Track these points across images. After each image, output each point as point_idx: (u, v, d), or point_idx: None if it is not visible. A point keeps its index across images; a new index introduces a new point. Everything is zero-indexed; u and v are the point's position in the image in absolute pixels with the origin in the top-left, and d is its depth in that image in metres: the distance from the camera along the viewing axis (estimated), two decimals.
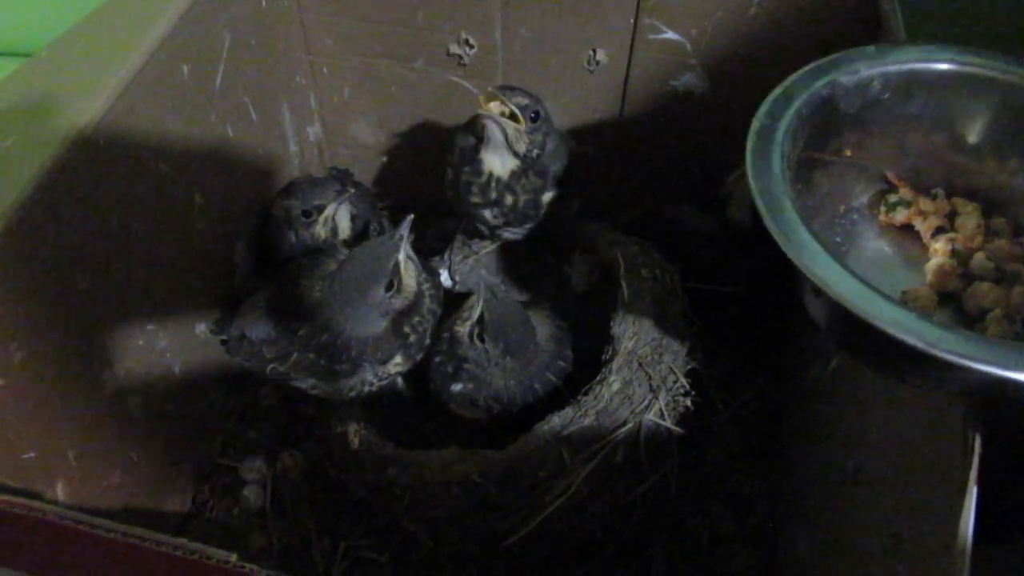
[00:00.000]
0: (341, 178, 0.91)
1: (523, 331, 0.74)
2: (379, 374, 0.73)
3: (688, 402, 0.74)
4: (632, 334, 0.75)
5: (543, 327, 0.78)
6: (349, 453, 0.74)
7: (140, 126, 0.68)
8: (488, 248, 0.95)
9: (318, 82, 0.98)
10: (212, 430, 0.89)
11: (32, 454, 0.60)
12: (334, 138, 1.06)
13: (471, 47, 0.89)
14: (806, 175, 0.54)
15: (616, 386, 0.72)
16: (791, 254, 0.43)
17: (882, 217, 0.58)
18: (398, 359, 0.73)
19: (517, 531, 0.68)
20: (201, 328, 0.82)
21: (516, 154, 0.76)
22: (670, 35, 0.82)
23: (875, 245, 0.57)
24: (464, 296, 0.81)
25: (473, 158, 0.77)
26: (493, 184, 0.77)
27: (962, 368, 0.38)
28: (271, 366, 0.74)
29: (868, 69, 0.54)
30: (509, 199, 0.78)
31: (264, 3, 0.85)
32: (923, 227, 0.56)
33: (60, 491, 0.63)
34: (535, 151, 0.76)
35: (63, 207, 0.60)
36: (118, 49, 0.67)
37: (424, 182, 0.99)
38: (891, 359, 0.45)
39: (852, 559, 0.57)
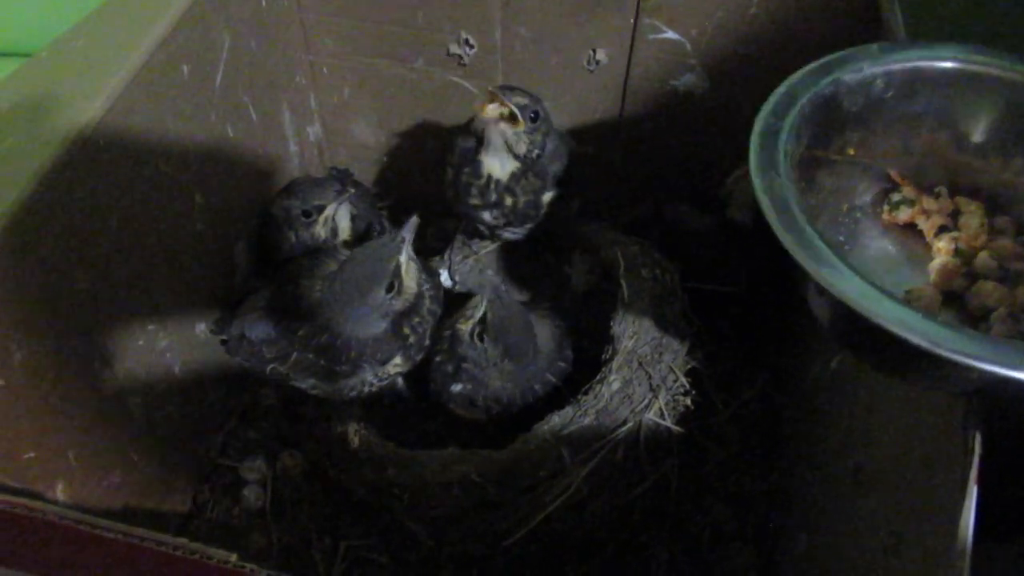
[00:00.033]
0: (341, 178, 0.91)
1: (524, 335, 0.74)
2: (379, 375, 0.73)
3: (688, 401, 0.74)
4: (632, 333, 0.75)
5: (543, 328, 0.78)
6: (349, 453, 0.74)
7: (140, 126, 0.68)
8: (488, 248, 0.95)
9: (318, 82, 0.98)
10: (212, 430, 0.89)
11: (32, 454, 0.60)
12: (334, 138, 1.06)
13: (471, 47, 0.89)
14: (809, 174, 0.53)
15: (616, 385, 0.72)
16: (796, 254, 0.43)
17: (885, 216, 0.58)
18: (398, 360, 0.73)
19: (517, 531, 0.68)
20: (201, 328, 0.82)
21: (516, 156, 0.76)
22: (670, 35, 0.82)
23: (878, 244, 0.56)
24: (465, 296, 0.81)
25: (473, 159, 0.77)
26: (492, 186, 0.77)
27: (967, 368, 0.38)
28: (271, 366, 0.74)
29: (872, 67, 0.54)
30: (509, 201, 0.78)
31: (264, 3, 0.85)
32: (926, 226, 0.56)
33: (60, 491, 0.63)
34: (535, 152, 0.76)
35: (63, 207, 0.60)
36: (118, 49, 0.67)
37: (424, 182, 0.99)
38: (895, 358, 0.45)
39: (852, 558, 0.57)
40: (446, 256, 0.94)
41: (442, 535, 0.72)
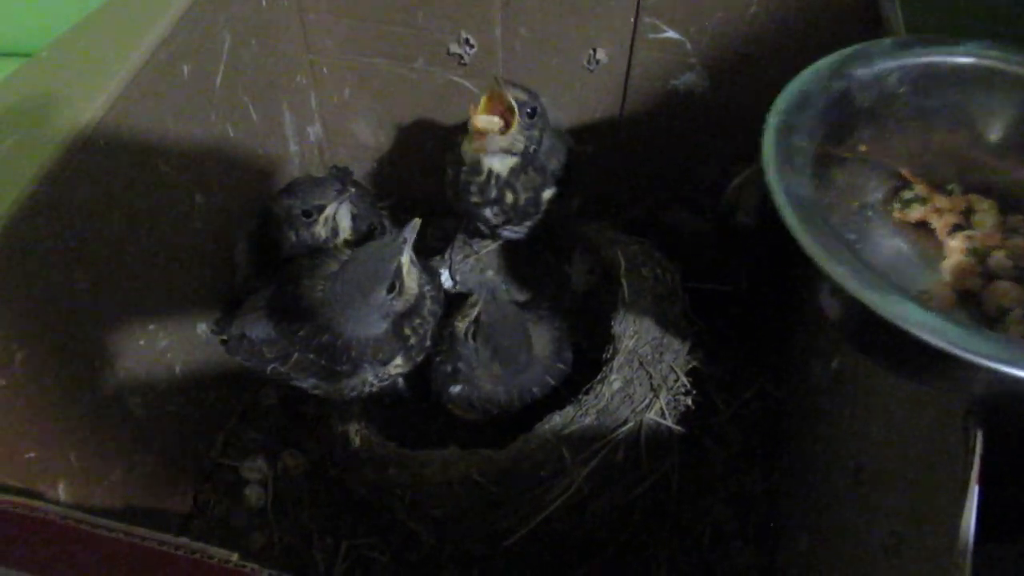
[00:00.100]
0: (341, 177, 0.91)
1: (515, 340, 0.74)
2: (380, 375, 0.73)
3: (689, 401, 0.74)
4: (633, 333, 0.75)
5: (541, 331, 0.78)
6: (350, 453, 0.74)
7: (140, 126, 0.68)
8: (489, 247, 0.95)
9: (318, 82, 0.98)
10: (213, 430, 0.89)
11: (33, 454, 0.60)
12: (334, 138, 1.06)
13: (471, 46, 0.89)
14: (822, 171, 0.52)
15: (617, 385, 0.72)
16: (814, 254, 0.42)
17: (896, 214, 0.56)
18: (398, 361, 0.73)
19: (518, 530, 0.68)
20: (202, 328, 0.82)
21: (514, 153, 0.76)
22: (670, 34, 0.82)
23: (890, 243, 0.55)
24: (466, 296, 0.81)
25: (472, 158, 0.77)
26: (493, 182, 0.77)
27: (986, 370, 0.38)
28: (272, 366, 0.74)
29: (885, 62, 0.53)
30: (509, 197, 0.78)
31: (264, 3, 0.84)
32: (939, 224, 0.54)
33: (61, 491, 0.63)
34: (532, 147, 0.76)
35: (63, 207, 0.60)
36: (118, 49, 0.67)
37: (424, 182, 0.99)
38: (911, 360, 0.44)
39: (853, 558, 0.57)
40: (447, 256, 0.94)
41: (443, 535, 0.72)
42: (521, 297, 0.96)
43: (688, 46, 0.82)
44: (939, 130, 0.55)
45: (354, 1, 0.89)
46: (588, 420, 0.69)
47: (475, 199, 0.79)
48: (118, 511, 0.71)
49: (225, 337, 0.79)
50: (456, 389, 0.76)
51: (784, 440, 0.85)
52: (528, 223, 0.83)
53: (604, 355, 0.75)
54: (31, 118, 0.63)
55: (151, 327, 0.74)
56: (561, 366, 0.77)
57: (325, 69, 0.97)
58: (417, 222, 0.71)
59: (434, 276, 0.79)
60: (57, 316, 0.61)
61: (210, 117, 0.78)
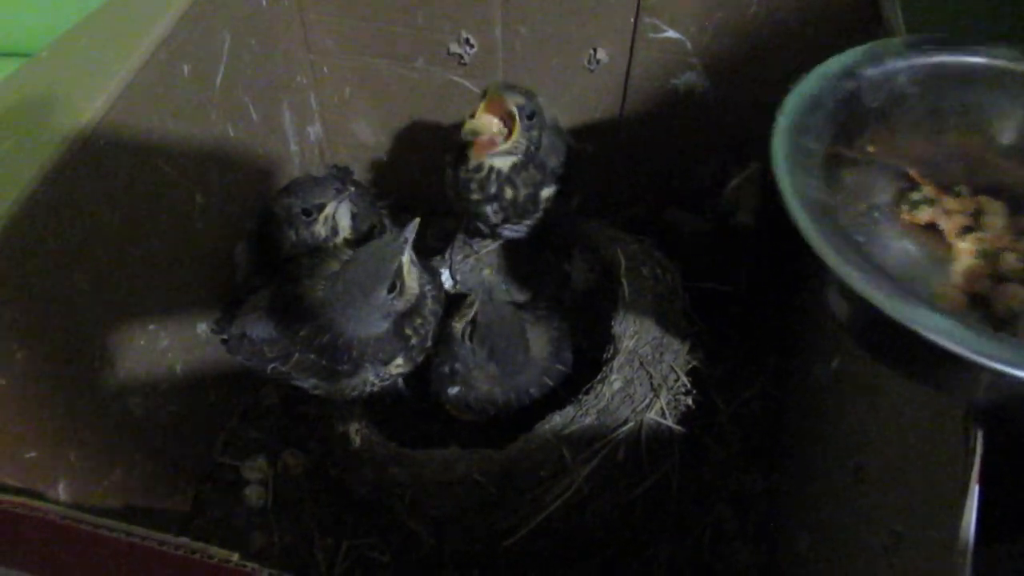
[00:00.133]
0: (341, 177, 0.91)
1: (511, 341, 0.74)
2: (381, 375, 0.73)
3: (689, 401, 0.74)
4: (633, 333, 0.75)
5: (540, 332, 0.78)
6: (350, 452, 0.74)
7: (140, 126, 0.68)
8: (489, 247, 0.95)
9: (318, 82, 0.98)
10: (213, 429, 0.89)
11: (34, 453, 0.60)
12: (335, 138, 1.06)
13: (471, 46, 0.89)
14: (831, 172, 0.51)
15: (617, 385, 0.72)
16: (826, 256, 0.42)
17: (904, 216, 0.55)
18: (399, 361, 0.73)
19: (518, 530, 0.68)
20: (202, 327, 0.82)
21: (514, 154, 0.76)
22: (671, 34, 0.82)
23: (898, 244, 0.54)
24: (465, 296, 0.81)
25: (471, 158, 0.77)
26: (493, 177, 0.77)
27: (998, 373, 0.37)
28: (272, 365, 0.74)
29: (895, 62, 0.52)
30: (509, 192, 0.78)
31: (264, 3, 0.84)
32: (948, 226, 0.54)
33: (62, 491, 0.63)
34: (532, 147, 0.76)
35: (63, 207, 0.60)
36: (118, 49, 0.67)
37: (424, 182, 0.99)
38: (922, 363, 0.43)
39: (853, 557, 0.57)
40: (447, 255, 0.94)
41: (443, 534, 0.72)
42: (521, 297, 0.96)
43: (688, 46, 0.82)
44: (949, 131, 0.54)
45: (354, 1, 0.89)
46: (588, 420, 0.69)
47: (475, 196, 0.79)
48: (118, 510, 0.71)
49: (225, 336, 0.79)
50: (454, 391, 0.76)
51: (784, 440, 0.85)
52: (528, 221, 0.83)
53: (604, 355, 0.75)
54: (31, 118, 0.63)
55: (151, 327, 0.74)
56: (559, 367, 0.77)
57: (325, 69, 0.97)
58: (417, 221, 0.71)
59: (435, 276, 0.79)
60: (57, 316, 0.61)
61: (210, 117, 0.78)
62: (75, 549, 0.47)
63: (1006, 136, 0.54)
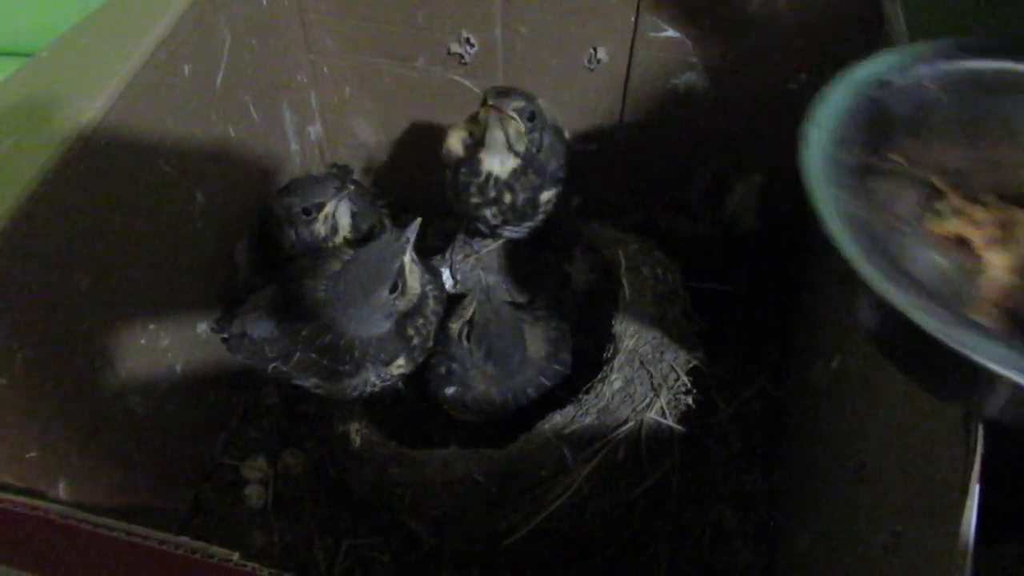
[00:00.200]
0: (341, 176, 0.91)
1: (508, 341, 0.74)
2: (382, 375, 0.73)
3: (689, 400, 0.74)
4: (633, 332, 0.75)
5: (538, 333, 0.78)
6: (351, 452, 0.74)
7: (141, 126, 0.68)
8: (489, 247, 0.95)
9: (319, 81, 0.98)
10: (214, 429, 0.89)
11: (34, 453, 0.60)
12: (335, 137, 1.06)
13: (472, 46, 0.89)
14: (860, 183, 0.49)
15: (617, 384, 0.72)
16: (862, 270, 0.41)
17: (931, 227, 0.53)
18: (401, 361, 0.73)
19: (519, 530, 0.68)
20: (203, 327, 0.82)
21: (516, 153, 0.76)
22: (671, 33, 0.82)
23: (926, 256, 0.52)
24: (465, 296, 0.81)
25: (471, 158, 0.77)
26: (492, 183, 0.77)
27: None
28: (273, 365, 0.74)
29: (925, 69, 0.51)
30: (508, 197, 0.78)
31: (264, 3, 0.84)
32: (976, 237, 0.52)
33: (62, 490, 0.63)
34: (533, 148, 0.76)
35: (63, 207, 0.60)
36: (118, 49, 0.67)
37: (424, 181, 0.99)
38: (967, 387, 0.42)
39: (853, 557, 0.57)
40: (447, 255, 0.94)
41: (443, 534, 0.72)
42: (521, 297, 0.96)
43: (689, 45, 0.82)
44: (980, 140, 0.53)
45: (354, 1, 0.89)
46: (589, 419, 0.69)
47: (475, 199, 0.79)
48: (119, 510, 0.71)
49: (226, 336, 0.79)
50: (451, 391, 0.76)
51: (784, 440, 0.85)
52: (527, 223, 0.83)
53: (604, 354, 0.75)
54: (31, 118, 0.63)
55: (152, 327, 0.74)
56: (557, 367, 0.77)
57: (325, 69, 0.97)
58: (419, 221, 0.71)
59: (436, 275, 0.79)
60: (57, 316, 0.61)
61: (210, 117, 0.78)
62: (75, 549, 0.48)
63: None
